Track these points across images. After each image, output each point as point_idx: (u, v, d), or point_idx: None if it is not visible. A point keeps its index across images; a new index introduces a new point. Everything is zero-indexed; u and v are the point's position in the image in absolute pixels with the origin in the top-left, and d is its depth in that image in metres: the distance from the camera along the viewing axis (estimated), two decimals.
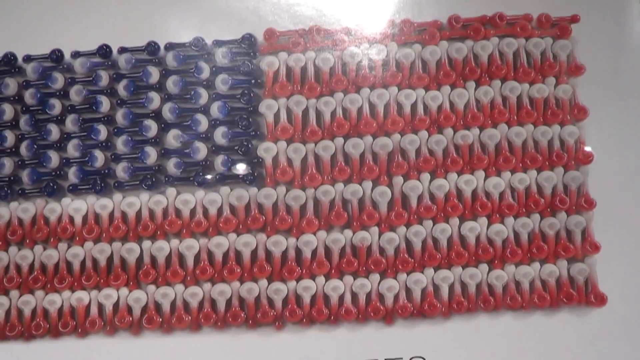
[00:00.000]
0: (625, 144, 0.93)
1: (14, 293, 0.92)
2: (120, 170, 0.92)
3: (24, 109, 0.94)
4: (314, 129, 0.92)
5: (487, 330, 0.90)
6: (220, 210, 0.92)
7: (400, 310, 0.90)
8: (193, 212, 0.92)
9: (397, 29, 0.94)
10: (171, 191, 0.92)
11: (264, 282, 0.91)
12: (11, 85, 0.94)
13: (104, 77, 0.93)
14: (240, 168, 0.92)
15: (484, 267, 0.91)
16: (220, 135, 0.92)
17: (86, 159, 0.92)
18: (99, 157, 0.92)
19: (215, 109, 0.92)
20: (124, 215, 0.92)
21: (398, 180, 0.91)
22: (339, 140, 0.92)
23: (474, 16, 0.94)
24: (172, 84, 0.93)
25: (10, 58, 0.94)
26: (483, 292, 0.90)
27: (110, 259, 0.92)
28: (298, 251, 0.91)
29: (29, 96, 0.94)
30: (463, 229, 0.91)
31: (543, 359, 0.89)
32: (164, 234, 0.92)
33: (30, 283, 0.91)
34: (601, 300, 0.90)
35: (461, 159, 0.91)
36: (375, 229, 0.91)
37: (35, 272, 0.92)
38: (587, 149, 0.92)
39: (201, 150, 0.92)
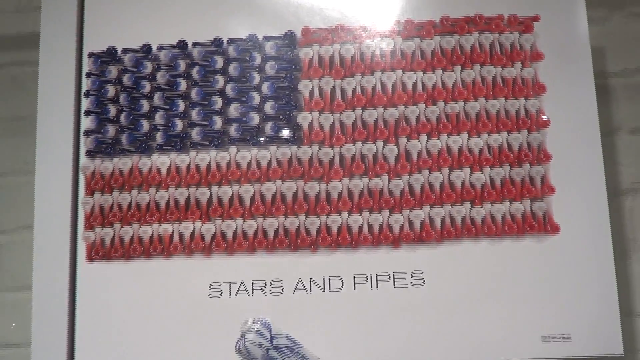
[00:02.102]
0: (576, 111, 1.20)
1: (117, 225, 1.22)
2: (195, 133, 1.23)
3: (122, 88, 1.25)
4: (339, 102, 1.22)
5: (469, 252, 1.18)
6: (269, 163, 1.21)
7: (404, 237, 1.19)
8: (249, 164, 1.22)
9: (402, 26, 1.24)
10: (232, 149, 1.22)
11: (302, 217, 1.20)
12: (113, 71, 1.25)
13: (182, 65, 1.25)
14: (284, 132, 1.22)
15: (467, 204, 1.19)
16: (269, 108, 1.22)
17: (169, 125, 1.23)
18: (179, 124, 1.23)
19: (265, 88, 1.23)
20: (197, 167, 1.22)
21: (402, 140, 1.21)
22: (358, 111, 1.21)
23: (460, 16, 1.24)
24: (232, 69, 1.24)
25: (112, 51, 1.26)
26: (466, 224, 1.18)
27: (187, 200, 1.22)
28: (327, 193, 1.20)
29: (126, 79, 1.25)
30: (451, 176, 1.20)
31: (512, 273, 1.17)
32: (228, 181, 1.22)
33: (128, 218, 1.22)
34: (555, 229, 1.18)
35: (450, 124, 1.21)
36: (385, 177, 1.20)
37: (132, 210, 1.22)
38: (545, 116, 1.20)
39: (255, 118, 1.22)
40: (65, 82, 1.25)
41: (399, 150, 1.20)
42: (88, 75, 1.26)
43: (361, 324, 1.16)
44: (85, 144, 1.24)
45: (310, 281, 1.18)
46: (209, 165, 1.22)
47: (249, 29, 1.26)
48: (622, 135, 1.30)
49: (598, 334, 1.14)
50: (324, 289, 1.17)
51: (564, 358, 1.15)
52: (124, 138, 1.23)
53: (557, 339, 1.14)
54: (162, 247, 1.21)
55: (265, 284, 1.18)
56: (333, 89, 1.22)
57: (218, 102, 1.22)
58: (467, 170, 1.20)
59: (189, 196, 1.22)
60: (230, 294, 1.18)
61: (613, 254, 1.16)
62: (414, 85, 1.22)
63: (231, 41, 1.25)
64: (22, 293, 1.29)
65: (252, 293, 1.18)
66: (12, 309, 1.31)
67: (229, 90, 1.23)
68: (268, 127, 1.21)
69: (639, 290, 1.25)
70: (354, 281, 1.18)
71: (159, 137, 1.23)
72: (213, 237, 1.20)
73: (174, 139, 1.22)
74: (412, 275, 1.18)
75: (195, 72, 1.24)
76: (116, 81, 1.25)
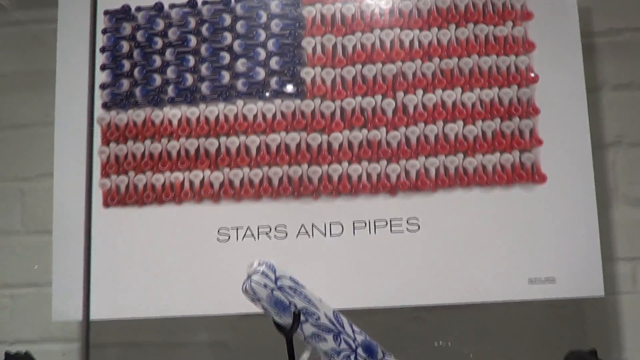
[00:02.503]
0: (563, 68, 1.26)
1: (131, 173, 1.30)
2: (204, 87, 1.30)
3: (136, 44, 1.32)
4: (340, 58, 1.29)
5: (462, 200, 1.25)
6: (274, 116, 1.29)
7: (400, 185, 1.26)
8: (255, 117, 1.29)
9: None
10: (240, 102, 1.29)
11: (305, 166, 1.27)
12: (127, 28, 1.33)
13: (192, 22, 1.32)
14: (288, 86, 1.29)
15: (460, 155, 1.26)
16: (274, 63, 1.29)
17: (180, 79, 1.30)
18: (189, 78, 1.30)
19: (270, 44, 1.30)
20: (206, 119, 1.30)
21: (400, 94, 1.28)
22: (358, 66, 1.28)
23: None
24: (240, 27, 1.31)
25: (126, 9, 1.33)
26: (459, 173, 1.26)
27: (197, 150, 1.29)
28: (329, 144, 1.27)
29: (139, 36, 1.32)
30: (445, 129, 1.27)
31: (501, 220, 1.24)
32: (235, 132, 1.29)
33: (142, 166, 1.29)
34: (543, 179, 1.25)
35: (444, 80, 1.27)
36: (383, 129, 1.27)
37: (146, 159, 1.30)
38: (533, 73, 1.27)
39: (261, 73, 1.30)
40: (82, 38, 1.32)
41: (396, 104, 1.27)
42: (104, 32, 1.33)
43: (360, 266, 1.24)
44: (101, 97, 1.31)
45: (312, 226, 1.26)
46: (217, 117, 1.29)
47: None
48: (606, 91, 1.37)
49: (581, 276, 1.22)
50: (325, 234, 1.25)
51: (549, 299, 1.23)
52: (137, 91, 1.31)
53: (543, 281, 1.22)
54: (173, 194, 1.28)
55: (270, 229, 1.26)
56: (334, 46, 1.29)
57: (226, 57, 1.29)
58: (460, 123, 1.27)
59: (198, 146, 1.29)
60: (237, 238, 1.26)
61: (596, 202, 1.23)
62: (411, 42, 1.29)
63: (239, 0, 1.31)
64: (44, 236, 1.36)
65: (258, 237, 1.26)
66: (35, 251, 1.40)
67: (237, 46, 1.30)
68: (273, 81, 1.28)
69: (620, 237, 1.33)
70: (354, 227, 1.25)
71: (171, 90, 1.30)
72: (221, 184, 1.28)
73: (184, 93, 1.29)
74: (407, 222, 1.25)
75: (204, 29, 1.31)
76: (130, 37, 1.32)
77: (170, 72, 1.30)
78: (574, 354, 1.09)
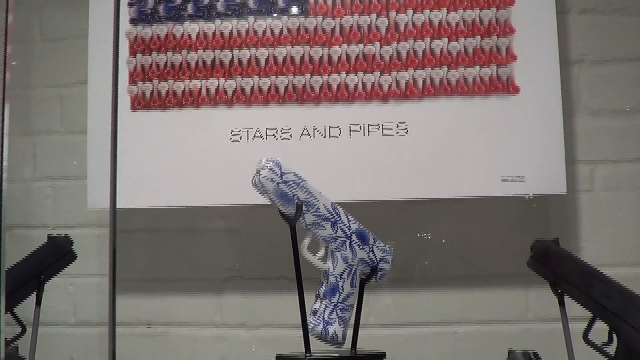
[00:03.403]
0: None
1: (155, 81, 1.46)
2: (219, 5, 1.45)
3: None
4: None
5: (445, 107, 1.41)
6: (281, 31, 1.44)
7: (392, 94, 1.42)
8: (264, 32, 1.44)
9: None
10: (251, 19, 1.45)
11: (307, 76, 1.43)
12: None
13: None
14: (293, 6, 1.45)
15: (445, 68, 1.42)
16: None
17: None
18: None
19: None
20: (221, 33, 1.45)
21: (392, 13, 1.43)
22: None
23: None
24: None
25: None
26: (443, 84, 1.41)
27: (213, 61, 1.45)
28: (329, 57, 1.43)
29: None
30: (432, 45, 1.42)
31: (479, 125, 1.40)
32: (247, 45, 1.45)
33: (164, 75, 1.46)
34: (516, 90, 1.41)
35: (432, 1, 1.42)
36: (377, 44, 1.43)
37: (168, 68, 1.46)
38: None
39: None
40: None
41: (389, 22, 1.42)
42: None
43: (355, 164, 1.41)
44: (129, 13, 1.46)
45: (313, 129, 1.43)
46: (231, 32, 1.45)
47: None
48: (574, 14, 1.51)
49: (547, 176, 1.39)
50: (325, 136, 1.42)
51: (518, 195, 1.42)
52: (161, 8, 1.46)
53: (514, 179, 1.38)
54: (192, 99, 1.45)
55: (277, 131, 1.43)
56: None
57: None
58: (445, 39, 1.42)
59: (214, 58, 1.45)
60: (248, 139, 1.43)
61: (562, 111, 1.39)
62: None
63: None
64: (80, 136, 1.53)
65: (266, 138, 1.43)
66: (73, 148, 1.57)
67: None
68: (280, 0, 1.44)
69: (581, 142, 1.49)
70: (350, 130, 1.42)
71: (190, 8, 1.45)
72: (234, 91, 1.44)
73: (202, 10, 1.45)
74: (397, 126, 1.41)
75: None
76: None
77: None
78: (539, 242, 1.22)
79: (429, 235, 1.50)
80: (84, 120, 1.47)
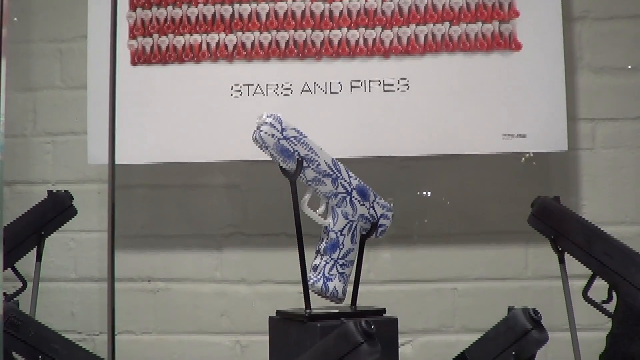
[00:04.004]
0: None
1: (155, 35, 1.45)
2: None
3: None
4: None
5: (447, 63, 1.41)
6: None
7: (393, 50, 1.42)
8: None
9: None
10: None
11: (309, 31, 1.43)
12: None
13: None
14: None
15: (447, 24, 1.41)
16: None
17: None
18: None
19: None
20: None
21: None
22: None
23: None
24: None
25: None
26: (445, 40, 1.41)
27: (213, 15, 1.44)
28: (330, 12, 1.42)
29: None
30: (434, 0, 1.41)
31: (481, 82, 1.40)
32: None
33: (165, 29, 1.45)
34: (518, 46, 1.40)
35: None
36: None
37: (168, 23, 1.45)
38: None
39: None
40: None
41: None
42: None
43: (356, 121, 1.41)
44: None
45: (314, 84, 1.42)
46: None
47: None
48: None
49: (548, 133, 1.39)
50: (326, 92, 1.42)
51: (520, 152, 1.43)
52: None
53: (515, 137, 1.39)
54: (192, 54, 1.44)
55: (278, 86, 1.43)
56: None
57: None
58: None
59: (215, 12, 1.44)
60: (248, 94, 1.43)
61: (564, 69, 1.38)
62: None
63: None
64: (80, 91, 1.52)
65: (267, 93, 1.43)
66: (72, 103, 1.56)
67: None
68: None
69: (583, 99, 1.49)
70: (351, 85, 1.42)
71: None
72: (235, 46, 1.43)
73: None
74: (398, 82, 1.41)
75: None
76: None
77: None
78: (540, 199, 1.23)
79: (429, 192, 1.50)
80: (84, 75, 1.47)
